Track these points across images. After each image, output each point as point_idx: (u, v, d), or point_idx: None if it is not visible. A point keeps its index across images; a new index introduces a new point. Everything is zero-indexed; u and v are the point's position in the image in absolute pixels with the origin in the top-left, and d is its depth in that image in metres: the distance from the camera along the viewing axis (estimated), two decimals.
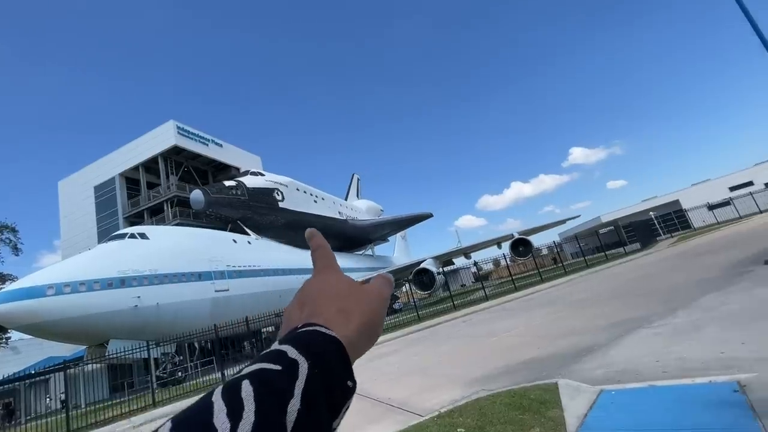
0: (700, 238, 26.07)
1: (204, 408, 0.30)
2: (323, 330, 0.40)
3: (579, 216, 39.45)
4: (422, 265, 27.66)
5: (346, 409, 0.37)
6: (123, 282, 17.08)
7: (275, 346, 0.37)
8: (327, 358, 0.37)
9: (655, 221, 40.54)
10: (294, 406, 0.31)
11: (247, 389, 0.31)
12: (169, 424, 0.28)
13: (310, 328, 0.40)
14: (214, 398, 0.30)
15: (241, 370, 0.34)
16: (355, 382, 0.38)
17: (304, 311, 0.46)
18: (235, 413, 0.29)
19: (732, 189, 41.06)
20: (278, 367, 0.34)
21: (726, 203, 38.18)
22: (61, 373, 13.91)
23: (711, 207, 39.21)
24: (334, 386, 0.36)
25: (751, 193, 36.40)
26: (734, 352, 4.54)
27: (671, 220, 42.55)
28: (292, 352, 0.35)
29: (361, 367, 10.51)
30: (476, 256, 32.18)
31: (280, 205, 31.30)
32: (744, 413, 3.17)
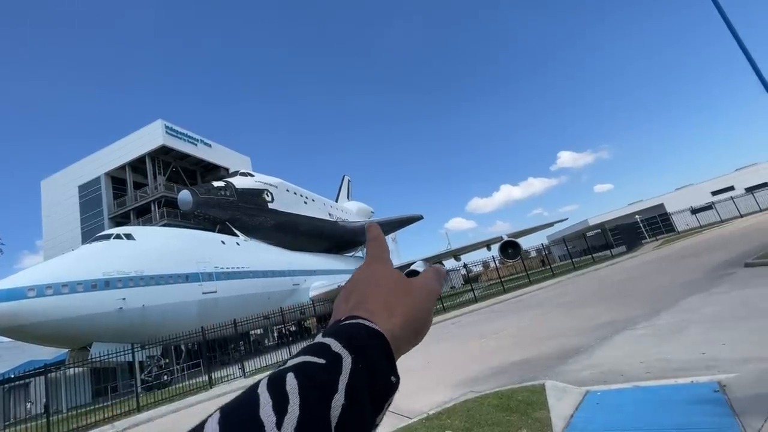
0: (683, 241, 26.67)
1: (251, 400, 0.30)
2: (367, 323, 0.39)
3: (567, 219, 40.07)
4: (412, 268, 27.73)
5: (389, 405, 0.37)
6: (108, 283, 16.72)
7: (319, 338, 0.37)
8: (370, 352, 0.36)
9: (641, 224, 41.36)
10: (338, 400, 0.31)
11: (291, 383, 0.31)
12: (217, 414, 0.29)
13: (354, 321, 0.39)
14: (260, 390, 0.30)
15: (285, 362, 0.34)
16: (398, 378, 0.37)
17: (350, 302, 0.45)
18: (280, 407, 0.29)
19: (714, 193, 42.13)
20: (322, 361, 0.33)
21: (708, 207, 39.15)
22: (42, 377, 13.54)
23: (694, 211, 40.20)
24: (377, 381, 0.35)
25: (732, 198, 37.43)
26: (715, 352, 4.66)
27: (656, 224, 43.44)
28: (335, 346, 0.35)
29: None
30: (466, 258, 32.48)
31: (270, 206, 31.03)
32: (724, 412, 3.25)
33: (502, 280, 24.60)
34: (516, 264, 30.29)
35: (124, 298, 16.91)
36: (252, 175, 31.53)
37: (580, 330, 7.81)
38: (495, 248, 29.38)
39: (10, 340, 18.43)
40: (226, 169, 35.82)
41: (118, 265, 17.43)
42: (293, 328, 34.97)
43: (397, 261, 50.51)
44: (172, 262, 19.45)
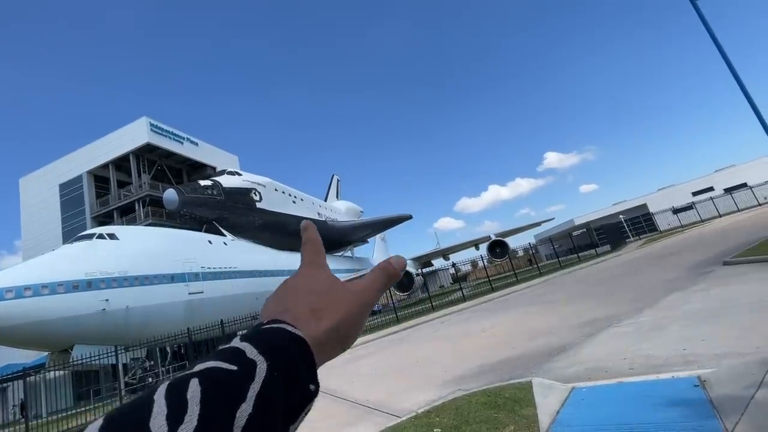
0: (665, 240, 27.34)
1: (142, 406, 0.27)
2: (289, 329, 0.37)
3: (553, 219, 40.74)
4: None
5: (307, 413, 0.35)
6: (90, 284, 16.32)
7: (235, 342, 0.35)
8: (289, 359, 0.34)
9: (625, 224, 42.26)
10: (245, 410, 0.28)
11: (194, 389, 0.28)
12: (100, 421, 0.26)
13: (276, 326, 0.37)
14: (156, 396, 0.28)
15: (193, 366, 0.31)
16: (317, 386, 0.36)
17: (278, 305, 0.43)
18: (176, 416, 0.26)
19: (695, 194, 43.29)
20: (233, 367, 0.31)
21: (689, 207, 40.24)
22: (21, 381, 13.16)
23: (675, 211, 41.26)
24: (294, 389, 0.33)
25: (711, 198, 38.59)
26: (695, 348, 4.79)
27: (639, 223, 44.45)
28: (251, 352, 0.33)
29: (338, 369, 10.45)
30: (454, 257, 32.71)
31: (258, 205, 30.73)
32: (703, 406, 3.36)
33: (491, 279, 24.84)
34: (504, 263, 30.64)
35: (107, 299, 16.54)
36: (239, 174, 31.18)
37: (566, 328, 7.94)
38: (483, 247, 29.70)
39: None
40: (213, 168, 35.35)
41: (101, 265, 17.03)
42: None
43: None
44: (157, 263, 19.10)
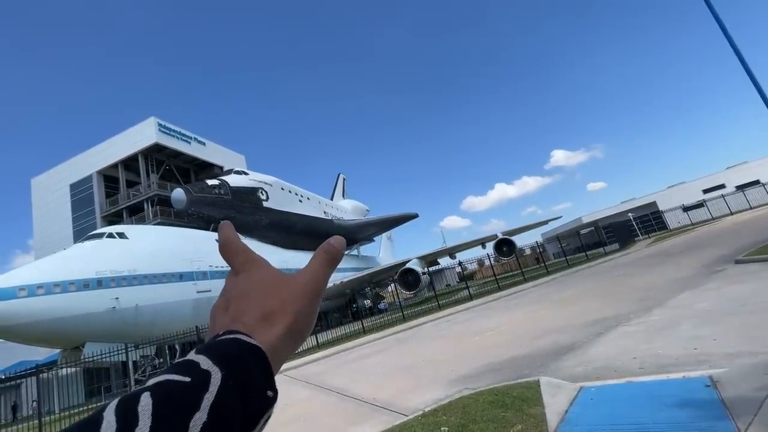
0: (675, 238, 26.96)
1: (91, 423, 0.26)
2: (244, 338, 0.37)
3: (561, 217, 40.29)
4: (407, 266, 27.74)
5: (267, 420, 0.35)
6: (100, 283, 16.57)
7: (191, 355, 0.35)
8: (244, 367, 0.34)
9: (633, 222, 41.76)
10: (199, 419, 0.29)
11: (145, 402, 0.28)
12: None
13: (230, 336, 0.38)
14: (105, 413, 0.27)
15: (145, 382, 0.32)
16: (276, 392, 0.36)
17: (228, 314, 0.43)
18: (126, 430, 0.26)
19: (705, 191, 42.63)
20: (187, 379, 0.31)
21: (700, 205, 39.65)
22: (34, 378, 13.40)
23: (686, 209, 40.70)
24: (251, 397, 0.33)
25: (723, 196, 37.92)
26: (706, 348, 4.72)
27: (648, 221, 43.89)
28: (205, 363, 0.33)
29: (345, 368, 10.49)
30: (461, 256, 32.52)
31: (265, 204, 30.90)
32: (715, 406, 3.30)
33: (497, 277, 24.70)
34: (511, 262, 30.46)
35: (117, 298, 16.77)
36: (246, 174, 31.37)
37: (574, 326, 7.87)
38: (490, 246, 29.50)
39: (1, 340, 18.22)
40: (221, 168, 35.59)
41: (111, 264, 17.27)
42: None
43: (392, 259, 50.62)
44: (165, 261, 19.32)
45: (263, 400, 0.35)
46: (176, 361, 0.35)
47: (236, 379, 0.33)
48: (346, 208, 50.37)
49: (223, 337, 0.38)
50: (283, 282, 0.45)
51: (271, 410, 0.36)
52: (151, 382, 0.31)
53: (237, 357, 0.35)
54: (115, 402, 0.29)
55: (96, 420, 0.27)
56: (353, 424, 5.53)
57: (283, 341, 0.41)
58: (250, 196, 29.82)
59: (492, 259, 27.33)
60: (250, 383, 0.34)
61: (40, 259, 18.79)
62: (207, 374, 0.32)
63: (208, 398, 0.30)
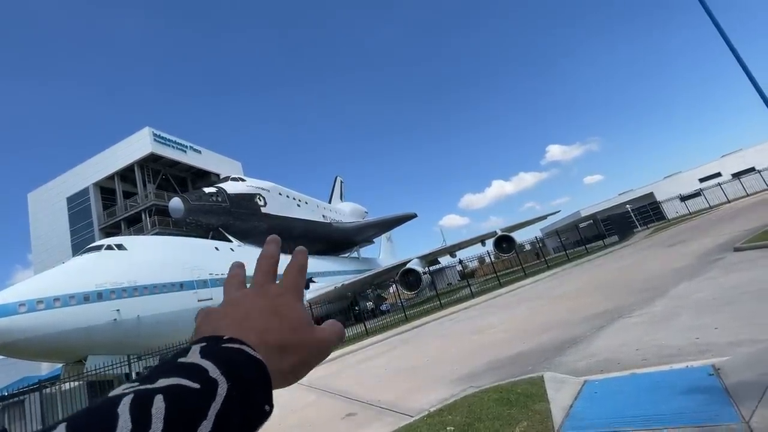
0: (674, 228, 27.03)
1: (108, 418, 0.28)
2: (250, 351, 0.39)
3: (559, 211, 40.44)
4: (408, 266, 27.73)
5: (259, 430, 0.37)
6: (100, 295, 16.50)
7: (197, 358, 0.36)
8: (248, 380, 0.36)
9: (632, 214, 41.84)
10: (205, 428, 0.30)
11: (158, 405, 0.29)
12: (62, 428, 0.26)
13: (237, 346, 0.39)
14: (120, 409, 0.29)
15: (157, 377, 0.33)
16: (272, 406, 0.38)
17: (244, 324, 0.44)
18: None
19: (702, 180, 42.75)
20: (196, 386, 0.33)
21: (697, 194, 39.74)
22: (37, 394, 13.33)
23: (683, 198, 40.80)
24: (251, 409, 0.35)
25: (719, 184, 38.01)
26: (708, 337, 4.74)
27: (647, 212, 43.96)
28: (213, 371, 0.35)
29: (350, 371, 10.47)
30: (461, 254, 32.52)
31: (263, 210, 30.87)
32: (719, 394, 3.31)
33: (498, 274, 24.73)
34: (511, 258, 30.51)
35: (118, 310, 16.71)
36: (243, 180, 31.35)
37: (576, 320, 7.88)
38: (489, 243, 29.53)
39: (3, 357, 18.12)
40: (217, 175, 35.58)
41: (111, 276, 17.21)
42: None
43: (392, 259, 50.61)
44: (165, 271, 19.26)
45: (261, 413, 0.36)
46: (182, 361, 0.36)
47: (239, 391, 0.35)
48: (344, 211, 50.34)
49: (229, 346, 0.39)
50: (307, 326, 0.48)
51: (265, 421, 0.37)
52: (162, 382, 0.32)
53: (241, 369, 0.37)
54: (129, 398, 0.30)
55: (112, 416, 0.28)
56: (359, 426, 5.52)
57: (286, 373, 0.44)
58: (247, 202, 29.79)
59: (492, 256, 27.37)
60: (251, 396, 0.36)
61: (39, 274, 18.72)
62: (215, 383, 0.34)
63: (215, 407, 0.32)
